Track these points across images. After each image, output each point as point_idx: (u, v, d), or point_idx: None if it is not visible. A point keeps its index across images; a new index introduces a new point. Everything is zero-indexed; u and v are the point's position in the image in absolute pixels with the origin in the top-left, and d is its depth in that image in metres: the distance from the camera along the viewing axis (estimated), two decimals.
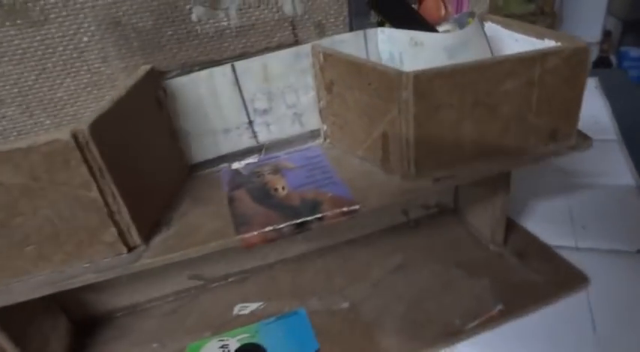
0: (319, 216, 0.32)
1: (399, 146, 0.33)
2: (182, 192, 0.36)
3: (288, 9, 0.35)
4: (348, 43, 0.38)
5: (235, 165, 0.39)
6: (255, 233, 0.31)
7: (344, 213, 0.32)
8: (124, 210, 0.29)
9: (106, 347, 0.41)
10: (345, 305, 0.42)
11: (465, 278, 0.43)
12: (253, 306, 0.44)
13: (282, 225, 0.31)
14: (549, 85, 0.32)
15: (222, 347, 0.40)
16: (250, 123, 0.39)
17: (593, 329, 0.39)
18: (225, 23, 0.34)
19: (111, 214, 0.29)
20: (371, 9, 0.36)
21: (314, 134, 0.41)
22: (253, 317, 0.43)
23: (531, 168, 0.49)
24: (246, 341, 0.40)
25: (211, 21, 0.34)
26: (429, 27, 0.37)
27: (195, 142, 0.38)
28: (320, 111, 0.39)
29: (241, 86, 0.37)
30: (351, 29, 0.37)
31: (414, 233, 0.50)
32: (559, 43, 0.33)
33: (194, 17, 0.33)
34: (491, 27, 0.40)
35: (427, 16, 0.39)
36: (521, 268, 0.44)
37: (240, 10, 0.34)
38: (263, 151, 0.40)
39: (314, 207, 0.33)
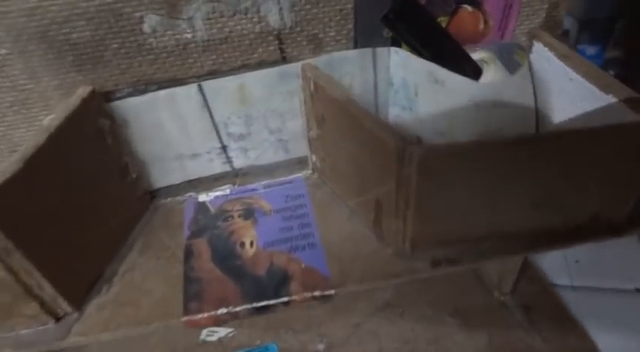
0: (285, 300, 0.26)
1: (395, 220, 0.26)
2: (136, 231, 0.31)
3: (273, 19, 0.27)
4: (350, 63, 0.29)
5: (203, 197, 0.33)
6: (205, 315, 0.26)
7: (314, 298, 0.27)
8: (45, 283, 0.24)
9: None
10: (321, 347, 0.38)
11: (459, 332, 0.38)
12: (222, 333, 0.40)
13: (238, 309, 0.26)
14: (601, 162, 0.24)
15: None
16: (224, 148, 0.32)
17: None
18: (188, 35, 0.26)
19: (28, 289, 0.24)
20: (386, 26, 0.27)
21: (301, 162, 0.34)
22: (220, 347, 0.39)
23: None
24: None
25: (169, 32, 0.26)
26: (458, 55, 0.28)
27: (157, 168, 0.32)
28: (309, 141, 0.32)
29: (211, 109, 0.30)
30: (356, 46, 0.29)
31: None
32: (615, 99, 0.24)
33: (146, 28, 0.25)
34: (541, 52, 0.31)
35: (461, 31, 0.30)
36: (524, 326, 0.38)
37: (209, 19, 0.26)
38: (238, 180, 0.33)
39: (281, 282, 0.27)
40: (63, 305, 0.26)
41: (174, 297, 0.27)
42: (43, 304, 0.25)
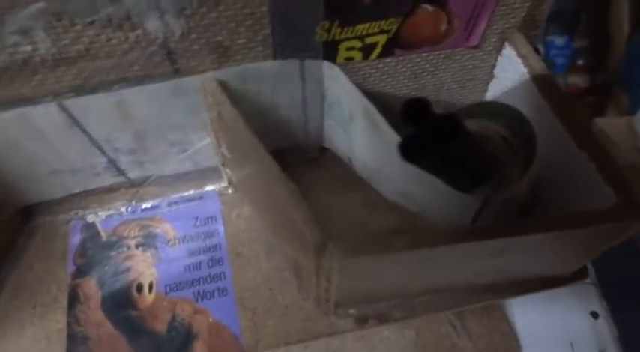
0: None
1: (315, 287, 0.22)
2: (7, 265, 0.25)
3: (154, 26, 0.19)
4: (270, 77, 0.22)
5: (92, 217, 0.27)
6: None
7: None
8: None
9: None
10: None
11: (387, 328, 0.38)
12: None
13: None
14: (564, 245, 0.20)
15: None
16: (111, 161, 0.25)
17: None
18: (27, 49, 0.18)
19: None
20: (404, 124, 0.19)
21: (214, 172, 0.28)
22: None
23: None
24: None
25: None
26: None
27: (28, 184, 0.25)
28: (221, 156, 0.26)
29: (84, 125, 0.22)
30: (276, 55, 0.21)
31: None
32: (592, 165, 0.20)
33: None
34: (510, 60, 0.24)
35: (418, 33, 0.23)
36: (454, 324, 0.38)
37: (54, 29, 0.18)
38: (137, 194, 0.28)
39: (184, 342, 0.23)
40: None
41: None
42: None
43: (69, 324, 0.24)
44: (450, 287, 0.24)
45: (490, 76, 0.27)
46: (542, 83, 0.22)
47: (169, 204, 0.28)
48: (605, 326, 0.39)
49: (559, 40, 0.53)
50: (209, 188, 0.28)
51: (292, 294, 0.25)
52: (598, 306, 0.40)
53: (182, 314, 0.24)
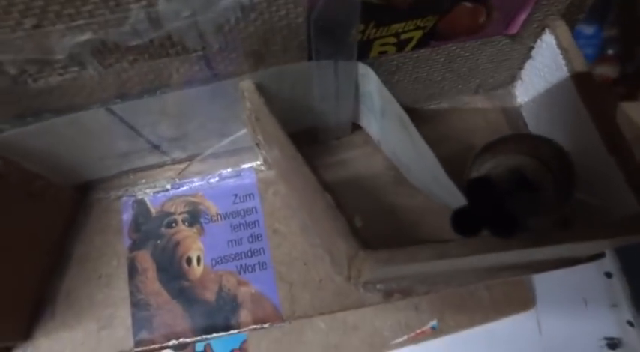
0: (234, 332, 0.27)
1: (347, 266, 0.24)
2: (71, 237, 0.28)
3: (193, 43, 0.19)
4: (304, 76, 0.22)
5: (141, 194, 0.29)
6: (157, 346, 0.26)
7: (262, 327, 0.27)
8: None
9: None
10: None
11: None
12: None
13: (189, 340, 0.26)
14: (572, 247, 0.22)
15: None
16: (155, 146, 0.27)
17: (539, 332, 0.40)
18: (75, 69, 0.19)
19: None
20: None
21: (250, 151, 0.29)
22: None
23: None
24: None
25: (46, 71, 0.19)
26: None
27: (82, 167, 0.27)
28: (257, 143, 0.27)
29: (131, 124, 0.24)
30: (311, 57, 0.22)
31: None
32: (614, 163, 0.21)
33: (11, 70, 0.18)
34: (551, 45, 0.24)
35: (455, 26, 0.22)
36: None
37: (100, 53, 0.18)
38: (181, 170, 0.29)
39: (231, 310, 0.27)
40: (10, 340, 0.25)
41: (122, 322, 0.27)
42: None
43: (131, 292, 0.27)
44: (467, 272, 0.26)
45: (527, 56, 0.27)
46: (581, 82, 0.22)
47: (209, 182, 0.29)
48: (618, 285, 0.41)
49: (588, 29, 0.49)
50: (245, 165, 0.30)
51: (325, 269, 0.27)
52: (612, 267, 0.41)
53: (228, 285, 0.27)
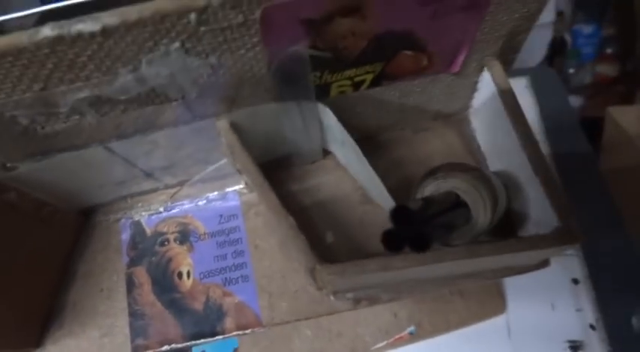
0: (220, 338, 0.30)
1: (317, 279, 0.28)
2: (75, 256, 0.32)
3: (174, 93, 0.23)
4: (273, 114, 0.26)
5: (138, 216, 0.33)
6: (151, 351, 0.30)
7: (245, 334, 0.30)
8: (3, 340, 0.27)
9: None
10: None
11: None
12: None
13: (180, 346, 0.30)
14: (514, 258, 0.25)
15: None
16: (148, 175, 0.31)
17: (508, 335, 0.42)
18: (76, 118, 0.23)
19: None
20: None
21: (234, 176, 0.33)
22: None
23: None
24: None
25: (52, 121, 0.22)
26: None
27: (85, 194, 0.31)
28: (238, 171, 0.31)
29: (126, 157, 0.28)
30: (277, 98, 0.25)
31: None
32: (541, 191, 0.24)
33: (23, 121, 0.22)
34: (488, 82, 0.27)
35: (400, 70, 0.26)
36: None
37: (95, 105, 0.22)
38: (172, 195, 0.33)
39: (217, 318, 0.30)
40: (23, 348, 0.29)
41: (121, 331, 0.30)
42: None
43: (129, 304, 0.31)
44: (430, 280, 0.29)
45: (474, 89, 0.30)
46: (512, 112, 0.25)
47: (198, 204, 0.33)
48: (583, 291, 0.43)
49: (587, 29, 0.51)
50: (230, 189, 0.33)
51: (301, 280, 0.31)
52: (579, 274, 0.44)
53: (214, 296, 0.31)
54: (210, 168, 0.30)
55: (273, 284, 0.31)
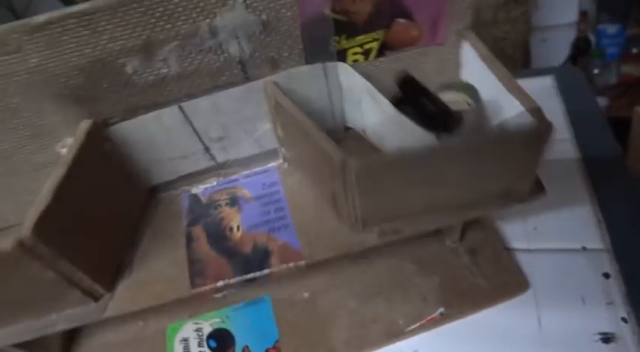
0: (266, 272, 0.34)
1: (346, 207, 0.33)
2: (143, 223, 0.38)
3: (234, 50, 0.32)
4: (305, 76, 0.35)
5: (194, 190, 0.40)
6: (208, 288, 0.34)
7: (289, 268, 0.35)
8: (84, 276, 0.32)
9: (97, 325, 0.48)
10: (306, 295, 0.47)
11: (417, 275, 0.47)
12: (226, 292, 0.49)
13: (232, 281, 0.34)
14: (505, 157, 0.31)
15: (196, 330, 0.46)
16: (206, 149, 0.38)
17: (539, 328, 0.42)
18: (164, 71, 0.32)
19: (72, 282, 0.31)
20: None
21: (273, 153, 0.40)
22: (225, 301, 0.48)
23: None
24: (217, 326, 0.46)
25: (149, 70, 0.31)
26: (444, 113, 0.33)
27: (156, 168, 0.38)
28: (278, 139, 0.38)
29: (192, 122, 0.36)
30: (308, 61, 0.34)
31: None
32: (521, 107, 0.31)
33: (129, 69, 0.31)
34: (468, 50, 0.36)
35: (399, 39, 0.35)
36: (470, 268, 0.47)
37: (180, 57, 0.31)
38: (222, 173, 0.40)
39: (264, 257, 0.35)
40: (98, 290, 0.33)
41: (181, 275, 0.35)
42: (83, 291, 0.33)
43: (188, 254, 0.36)
44: (442, 207, 0.34)
45: (459, 65, 0.39)
46: (488, 61, 0.33)
47: (244, 177, 0.40)
48: (614, 285, 0.44)
49: (611, 29, 0.54)
50: (271, 164, 0.40)
51: (333, 224, 0.36)
52: (610, 268, 0.44)
53: (260, 241, 0.36)
54: (257, 133, 0.38)
55: (311, 229, 0.36)
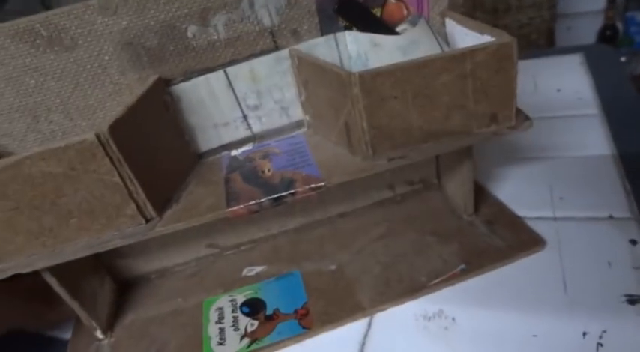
0: (292, 191, 0.40)
1: (358, 132, 0.40)
2: (191, 175, 0.45)
3: (266, 21, 0.42)
4: (321, 46, 0.44)
5: (234, 153, 0.47)
6: (242, 206, 0.39)
7: (312, 189, 0.40)
8: (140, 190, 0.38)
9: (141, 301, 0.51)
10: (333, 267, 0.50)
11: (437, 244, 0.50)
12: (258, 269, 0.53)
13: (262, 200, 0.40)
14: (481, 76, 0.37)
15: (231, 301, 0.49)
16: (245, 117, 0.47)
17: (564, 290, 0.43)
18: (215, 37, 0.42)
19: (130, 193, 0.38)
20: (338, 16, 0.42)
21: (299, 124, 0.48)
22: (257, 278, 0.52)
23: (482, 144, 0.48)
24: (250, 296, 0.49)
25: (203, 36, 0.42)
26: (388, 29, 0.43)
27: (202, 135, 0.47)
28: (302, 104, 0.47)
29: (234, 87, 0.45)
30: (322, 34, 0.44)
31: (398, 206, 0.56)
32: (492, 39, 0.38)
33: (189, 34, 0.42)
34: (449, 23, 0.45)
35: (390, 17, 0.45)
36: (487, 234, 0.49)
37: (226, 25, 0.42)
38: (256, 140, 0.48)
39: (289, 184, 0.41)
40: (150, 210, 0.39)
41: (220, 202, 0.41)
42: (138, 207, 0.39)
43: (225, 189, 0.42)
44: (440, 134, 0.40)
45: (447, 43, 0.48)
46: (464, 22, 0.42)
47: (275, 141, 0.47)
48: None
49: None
50: (297, 132, 0.48)
51: (349, 158, 0.42)
52: (637, 236, 0.46)
53: (287, 175, 0.42)
54: (284, 102, 0.46)
55: (330, 163, 0.42)
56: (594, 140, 0.59)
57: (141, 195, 0.38)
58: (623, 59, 0.85)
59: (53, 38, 0.39)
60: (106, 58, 0.41)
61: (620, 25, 0.77)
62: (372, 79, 0.36)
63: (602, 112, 0.60)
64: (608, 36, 0.90)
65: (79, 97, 0.42)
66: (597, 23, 0.93)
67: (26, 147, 0.43)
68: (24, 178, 0.35)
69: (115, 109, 0.43)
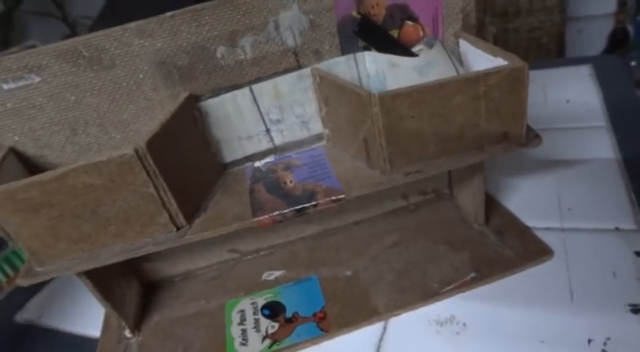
0: (314, 203, 0.42)
1: (376, 148, 0.42)
2: (217, 185, 0.48)
3: (290, 42, 0.45)
4: (341, 65, 0.47)
5: (257, 164, 0.50)
6: (267, 216, 0.42)
7: (332, 201, 0.42)
8: (173, 200, 0.41)
9: (166, 303, 0.54)
10: (349, 273, 0.53)
11: (449, 253, 0.52)
12: (277, 273, 0.55)
13: (285, 211, 0.42)
14: (493, 98, 0.40)
15: (252, 303, 0.52)
16: (267, 130, 0.50)
17: (571, 299, 0.45)
18: (242, 57, 0.45)
19: (163, 204, 0.41)
20: (357, 37, 0.45)
21: (319, 137, 0.51)
22: (276, 282, 0.54)
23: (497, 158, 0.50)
24: (270, 300, 0.52)
25: (232, 56, 0.45)
26: (405, 50, 0.45)
27: (227, 147, 0.50)
28: (322, 119, 0.49)
29: (259, 103, 0.48)
30: (343, 53, 0.47)
31: (412, 216, 0.59)
32: (505, 62, 0.41)
33: (218, 54, 0.44)
34: (463, 44, 0.48)
35: (407, 38, 0.47)
36: (498, 244, 0.52)
37: (253, 46, 0.45)
38: (278, 152, 0.51)
39: (311, 196, 0.43)
40: (181, 219, 0.42)
41: (246, 212, 0.43)
42: (170, 216, 0.42)
43: (250, 200, 0.45)
44: (454, 151, 0.42)
45: (461, 62, 0.50)
46: (476, 44, 0.45)
47: (296, 154, 0.50)
48: None
49: None
50: (317, 145, 0.51)
51: (367, 172, 0.44)
52: None
53: (308, 187, 0.44)
54: (305, 116, 0.49)
55: (349, 176, 0.45)
56: (602, 152, 0.61)
57: (173, 205, 0.41)
58: (633, 63, 0.85)
59: (93, 58, 0.42)
60: (141, 76, 0.44)
61: (630, 29, 0.77)
62: (391, 99, 0.39)
63: (609, 124, 0.61)
64: (618, 39, 0.89)
65: (114, 112, 0.45)
66: (608, 26, 0.93)
67: (64, 158, 0.46)
68: (68, 189, 0.38)
69: (148, 123, 0.46)
